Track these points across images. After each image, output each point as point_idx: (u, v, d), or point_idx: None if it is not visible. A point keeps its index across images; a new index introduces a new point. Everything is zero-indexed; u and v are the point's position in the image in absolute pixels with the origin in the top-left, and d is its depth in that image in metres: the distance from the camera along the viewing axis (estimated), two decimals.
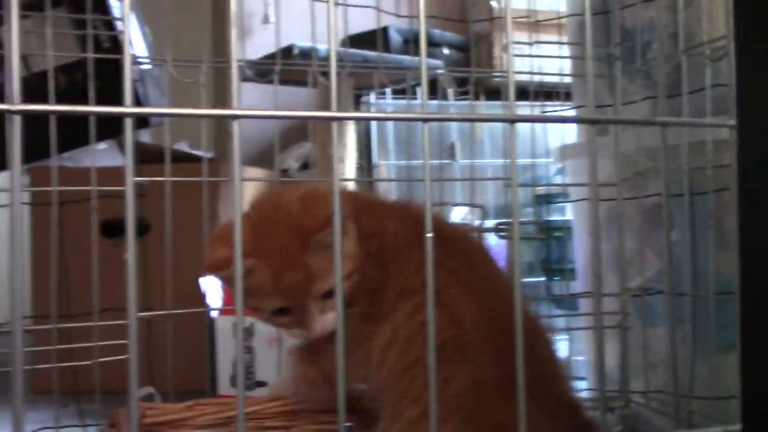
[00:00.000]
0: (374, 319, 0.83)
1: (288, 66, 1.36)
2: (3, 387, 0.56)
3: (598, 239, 0.61)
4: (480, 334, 0.80)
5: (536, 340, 0.82)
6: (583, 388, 1.32)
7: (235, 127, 0.57)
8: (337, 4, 1.29)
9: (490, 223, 1.33)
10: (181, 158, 1.54)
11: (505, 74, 1.37)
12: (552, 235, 1.67)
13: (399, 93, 1.75)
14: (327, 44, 1.61)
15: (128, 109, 0.53)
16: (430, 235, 0.60)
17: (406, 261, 0.82)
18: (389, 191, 2.05)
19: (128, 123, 0.54)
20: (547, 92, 1.44)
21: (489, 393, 0.78)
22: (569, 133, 1.46)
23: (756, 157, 0.49)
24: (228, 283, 0.84)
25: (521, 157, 1.70)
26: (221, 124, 1.82)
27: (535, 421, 0.65)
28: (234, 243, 0.77)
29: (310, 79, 1.33)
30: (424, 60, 0.62)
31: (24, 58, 1.59)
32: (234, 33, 0.57)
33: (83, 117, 1.31)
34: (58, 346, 1.16)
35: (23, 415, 0.52)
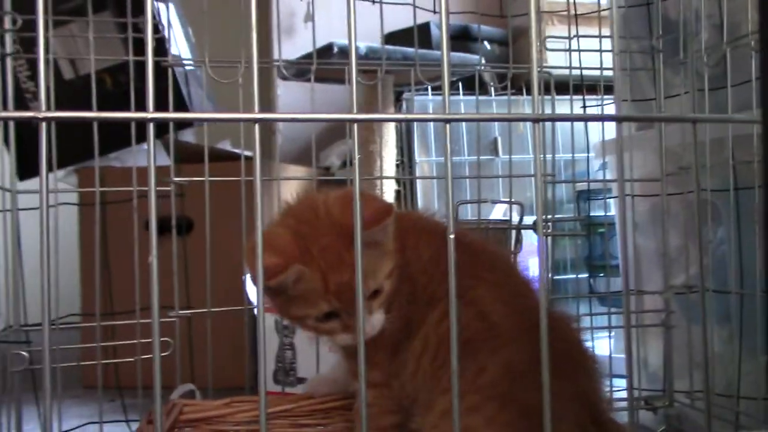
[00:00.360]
0: (407, 332, 0.83)
1: (326, 65, 1.37)
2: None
3: (625, 236, 0.60)
4: (507, 326, 0.81)
5: (558, 331, 0.82)
6: (623, 386, 1.30)
7: (257, 130, 0.57)
8: (373, 2, 1.30)
9: (529, 219, 1.31)
10: (222, 157, 1.56)
11: (544, 69, 1.34)
12: (595, 232, 1.64)
13: (440, 89, 1.74)
14: (366, 42, 1.60)
15: (150, 114, 0.54)
16: (452, 236, 0.60)
17: (432, 273, 0.83)
18: (429, 188, 2.05)
19: (150, 128, 0.54)
20: (589, 86, 1.42)
21: (521, 380, 0.78)
22: (611, 128, 1.43)
23: None
24: (277, 292, 0.80)
25: (563, 152, 1.68)
26: (262, 124, 1.85)
27: (562, 407, 0.65)
28: (275, 249, 0.77)
29: (347, 77, 1.34)
30: (446, 58, 0.61)
31: (72, 62, 1.63)
32: (254, 37, 0.57)
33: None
34: (102, 344, 1.19)
35: (51, 411, 0.53)
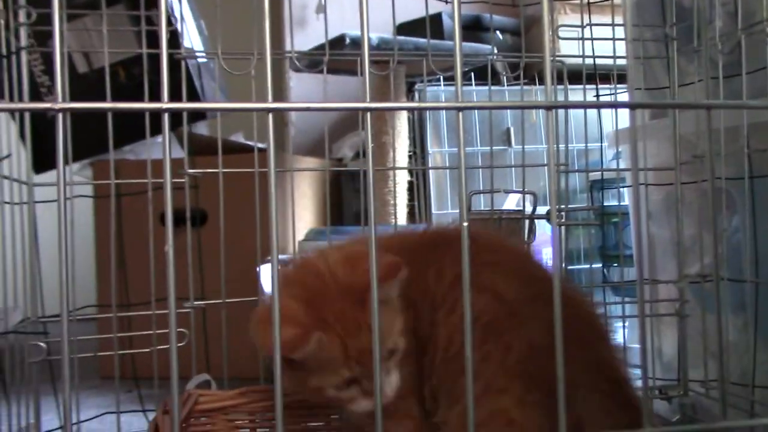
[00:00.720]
0: (419, 349, 0.83)
1: (338, 56, 1.37)
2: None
3: (639, 225, 0.60)
4: (524, 302, 0.81)
5: (576, 307, 0.82)
6: (638, 376, 1.30)
7: (270, 119, 0.58)
8: None
9: (542, 209, 1.31)
10: (235, 149, 1.56)
11: (556, 58, 1.34)
12: (609, 221, 1.64)
13: (452, 79, 1.74)
14: (378, 33, 1.60)
15: (165, 104, 0.54)
16: (465, 224, 0.60)
17: (426, 282, 0.83)
18: (442, 178, 2.05)
19: (165, 118, 0.55)
20: (602, 75, 1.41)
21: (545, 356, 0.77)
22: (624, 117, 1.43)
23: None
24: (294, 365, 0.76)
25: (576, 142, 1.68)
26: (275, 115, 1.85)
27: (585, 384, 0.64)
28: (290, 320, 0.74)
29: (359, 68, 1.34)
30: (458, 47, 0.61)
31: (86, 55, 1.64)
32: (267, 27, 0.58)
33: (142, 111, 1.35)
34: (119, 334, 1.20)
35: (70, 401, 0.54)
